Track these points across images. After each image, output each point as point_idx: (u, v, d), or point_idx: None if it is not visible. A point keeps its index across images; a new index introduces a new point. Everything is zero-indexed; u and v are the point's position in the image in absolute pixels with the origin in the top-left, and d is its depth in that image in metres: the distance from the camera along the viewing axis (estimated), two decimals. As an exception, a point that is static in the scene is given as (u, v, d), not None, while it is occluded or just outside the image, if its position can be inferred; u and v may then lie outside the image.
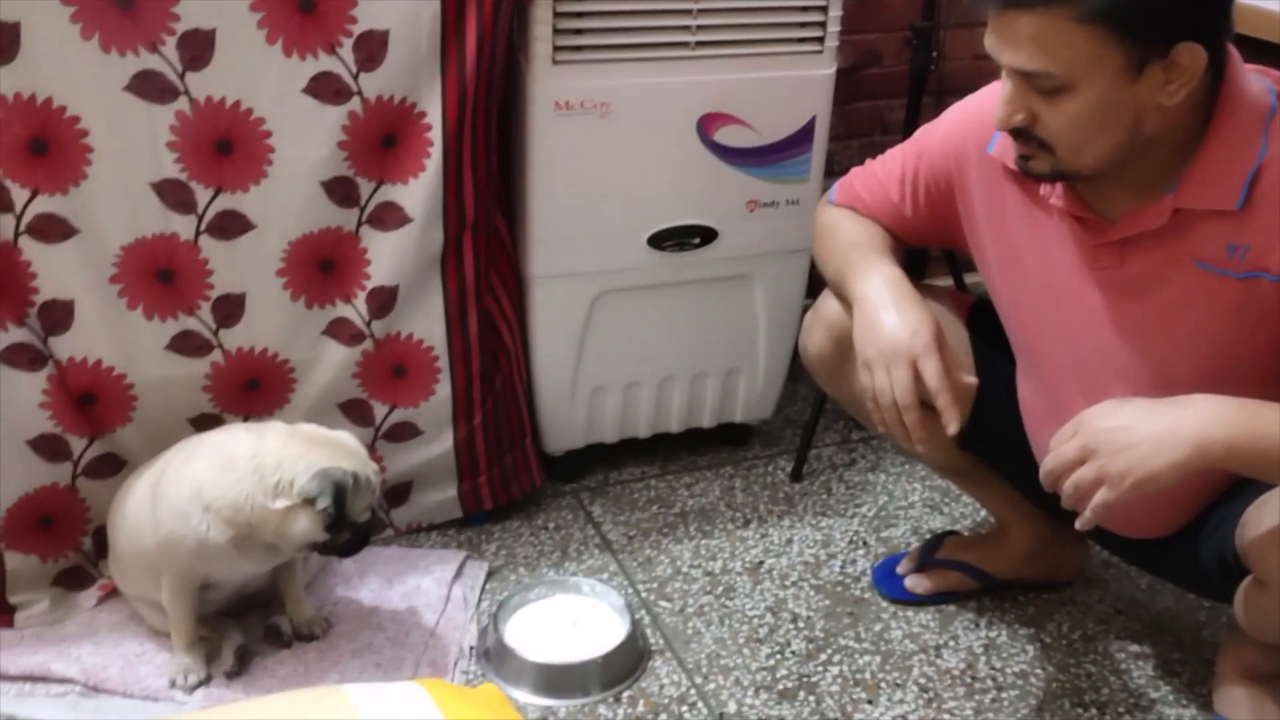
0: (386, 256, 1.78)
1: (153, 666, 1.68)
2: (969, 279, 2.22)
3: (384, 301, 1.80)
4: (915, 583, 1.90)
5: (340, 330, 1.81)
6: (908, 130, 2.07)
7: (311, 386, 1.83)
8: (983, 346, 1.68)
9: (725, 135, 1.94)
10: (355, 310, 1.80)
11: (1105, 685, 1.75)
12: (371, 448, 1.87)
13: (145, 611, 1.72)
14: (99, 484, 1.75)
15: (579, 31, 1.80)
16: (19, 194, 1.56)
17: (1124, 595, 1.94)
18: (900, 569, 1.93)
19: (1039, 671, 1.77)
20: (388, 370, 1.87)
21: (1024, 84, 1.30)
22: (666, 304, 2.06)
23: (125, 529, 1.66)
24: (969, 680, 1.75)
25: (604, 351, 2.06)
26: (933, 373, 1.41)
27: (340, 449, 1.59)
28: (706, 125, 1.92)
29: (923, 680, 1.74)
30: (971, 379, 1.45)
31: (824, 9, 1.91)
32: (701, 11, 1.84)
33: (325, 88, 1.64)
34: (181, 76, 1.57)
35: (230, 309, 1.74)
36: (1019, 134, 1.35)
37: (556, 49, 1.79)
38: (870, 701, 1.70)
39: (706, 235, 2.01)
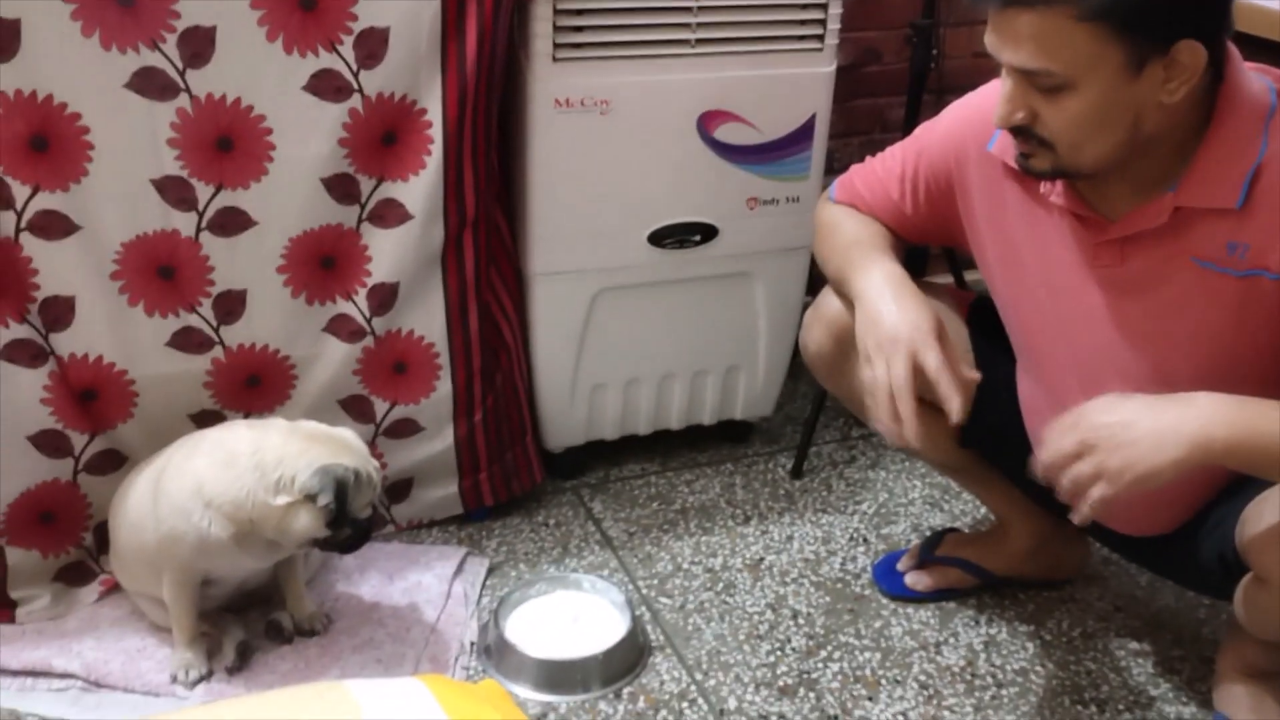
0: (387, 253, 1.78)
1: (154, 662, 1.68)
2: (969, 276, 2.22)
3: (385, 298, 1.81)
4: (915, 580, 1.91)
5: (341, 327, 1.81)
6: (908, 128, 2.07)
7: (312, 383, 1.83)
8: (983, 344, 1.68)
9: (725, 133, 1.94)
10: (356, 307, 1.80)
11: (1105, 682, 1.75)
12: (372, 444, 1.87)
13: (146, 607, 1.72)
14: (100, 480, 1.76)
15: (579, 29, 1.80)
16: (20, 191, 1.57)
17: (1124, 592, 1.94)
18: (900, 566, 1.93)
19: (1039, 668, 1.77)
20: (388, 367, 1.87)
21: (1024, 82, 1.30)
22: (667, 301, 2.06)
23: (126, 525, 1.66)
24: (969, 677, 1.75)
25: (604, 349, 2.06)
26: (933, 362, 1.41)
27: (341, 445, 1.59)
28: (707, 123, 1.93)
29: (923, 677, 1.75)
30: (974, 374, 1.45)
31: (824, 7, 1.91)
32: (701, 9, 1.85)
33: (326, 85, 1.64)
34: (182, 74, 1.58)
35: (231, 306, 1.74)
36: (1019, 132, 1.34)
37: (557, 46, 1.79)
38: (870, 698, 1.70)
39: (707, 233, 2.01)
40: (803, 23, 1.92)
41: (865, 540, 2.06)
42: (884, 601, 1.90)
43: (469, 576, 1.90)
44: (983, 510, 2.09)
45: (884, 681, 1.74)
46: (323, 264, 1.77)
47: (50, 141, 1.56)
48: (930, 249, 2.29)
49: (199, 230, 1.68)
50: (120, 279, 1.66)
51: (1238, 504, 1.42)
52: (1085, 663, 1.79)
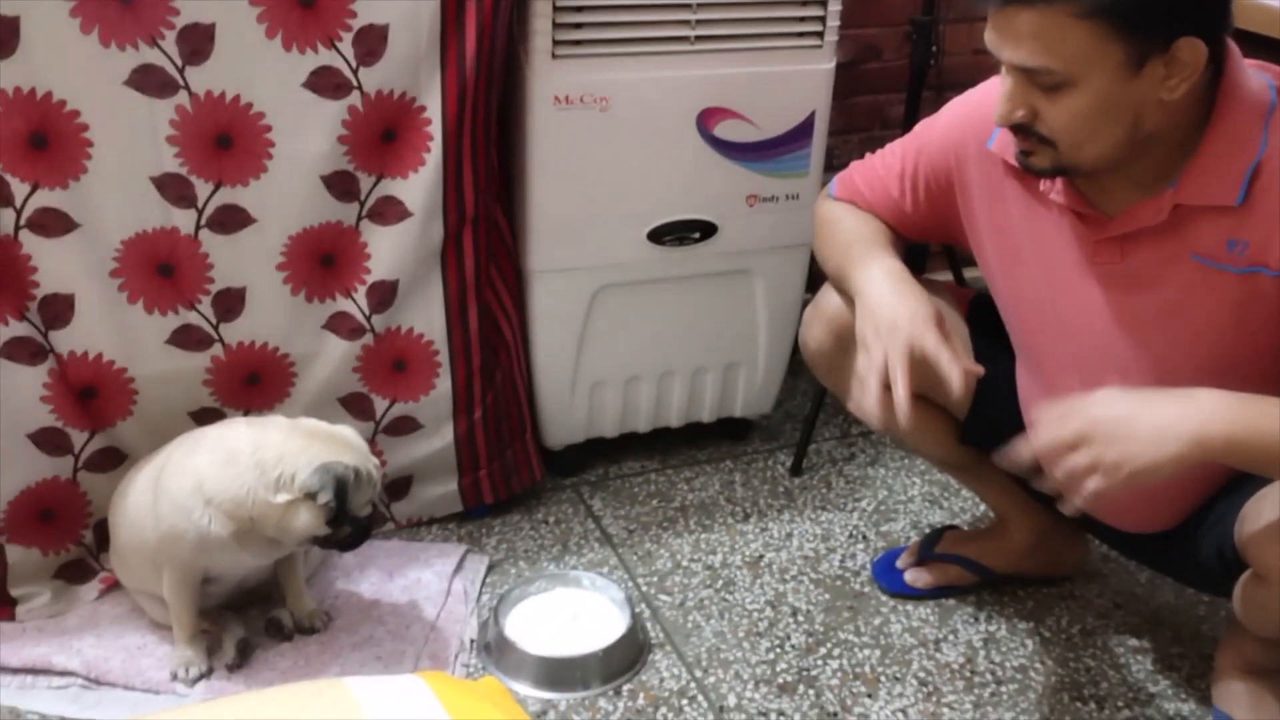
0: (387, 251, 1.78)
1: (154, 659, 1.68)
2: (968, 274, 2.22)
3: (384, 296, 1.81)
4: (915, 577, 1.91)
5: (341, 324, 1.81)
6: (907, 125, 2.07)
7: (312, 381, 1.83)
8: (982, 341, 1.68)
9: (725, 130, 1.94)
10: (356, 304, 1.80)
11: (1104, 679, 1.75)
12: (372, 442, 1.87)
13: (146, 604, 1.72)
14: (100, 477, 1.76)
15: (578, 26, 1.80)
16: (19, 188, 1.56)
17: (1123, 590, 1.94)
18: (900, 563, 1.93)
19: (1038, 665, 1.77)
20: (388, 364, 1.87)
21: (1024, 80, 1.29)
22: (666, 299, 2.06)
23: (126, 522, 1.66)
24: (968, 674, 1.75)
25: (604, 346, 2.06)
26: (932, 343, 1.41)
27: (341, 443, 1.59)
28: (706, 120, 1.92)
29: (922, 674, 1.75)
30: (976, 366, 1.45)
31: (824, 4, 1.91)
32: (701, 6, 1.84)
33: (325, 82, 1.64)
34: (181, 71, 1.57)
35: (231, 303, 1.74)
36: (1020, 130, 1.34)
37: (556, 44, 1.79)
38: (870, 695, 1.70)
39: (706, 230, 2.01)
40: (802, 19, 1.92)
41: (865, 537, 2.06)
42: (883, 599, 1.90)
43: (469, 574, 1.91)
44: (982, 508, 2.09)
45: (883, 678, 1.74)
46: (322, 261, 1.77)
47: (49, 139, 1.55)
48: (930, 246, 2.29)
49: (198, 227, 1.67)
50: (120, 276, 1.66)
51: (1237, 501, 1.42)
52: (1085, 660, 1.79)
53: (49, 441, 1.70)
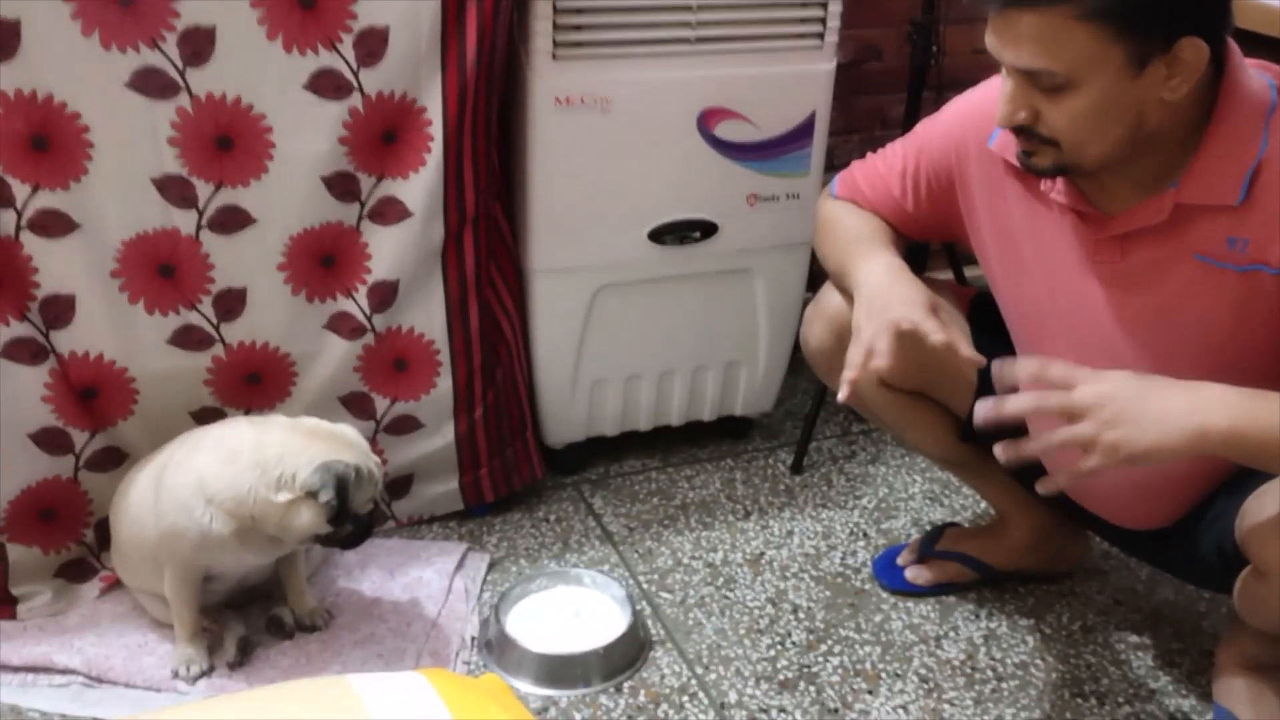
0: (387, 251, 1.79)
1: (155, 657, 1.68)
2: (969, 272, 2.23)
3: (385, 296, 1.81)
4: (915, 574, 1.91)
5: (341, 324, 1.82)
6: (907, 125, 2.07)
7: (313, 380, 1.84)
8: (983, 339, 1.68)
9: (725, 130, 1.94)
10: (356, 304, 1.81)
11: (1105, 676, 1.75)
12: (373, 441, 1.87)
13: (147, 603, 1.73)
14: (101, 477, 1.76)
15: (579, 27, 1.80)
16: (20, 189, 1.57)
17: (1124, 586, 1.94)
18: (900, 560, 1.94)
19: (1039, 662, 1.78)
20: (389, 364, 1.87)
21: (1026, 82, 1.29)
22: (667, 298, 2.07)
23: (128, 521, 1.66)
24: (969, 671, 1.75)
25: (605, 345, 2.06)
26: (919, 316, 1.42)
27: (342, 442, 1.60)
28: (707, 120, 1.93)
29: (923, 671, 1.75)
30: (978, 356, 1.45)
31: (824, 4, 1.92)
32: (701, 7, 1.85)
33: (326, 84, 1.65)
34: (182, 73, 1.58)
35: (231, 303, 1.74)
36: (1022, 131, 1.35)
37: (557, 44, 1.79)
38: (871, 692, 1.71)
39: (707, 229, 2.01)
40: (803, 20, 1.93)
41: (865, 535, 2.06)
42: (884, 596, 1.91)
43: (470, 572, 1.91)
44: (983, 505, 2.09)
45: (884, 675, 1.74)
46: (323, 262, 1.77)
47: (50, 141, 1.56)
48: (930, 245, 2.29)
49: (199, 228, 1.68)
50: (120, 277, 1.67)
51: (1237, 497, 1.43)
52: (1085, 656, 1.79)
53: (50, 441, 1.71)
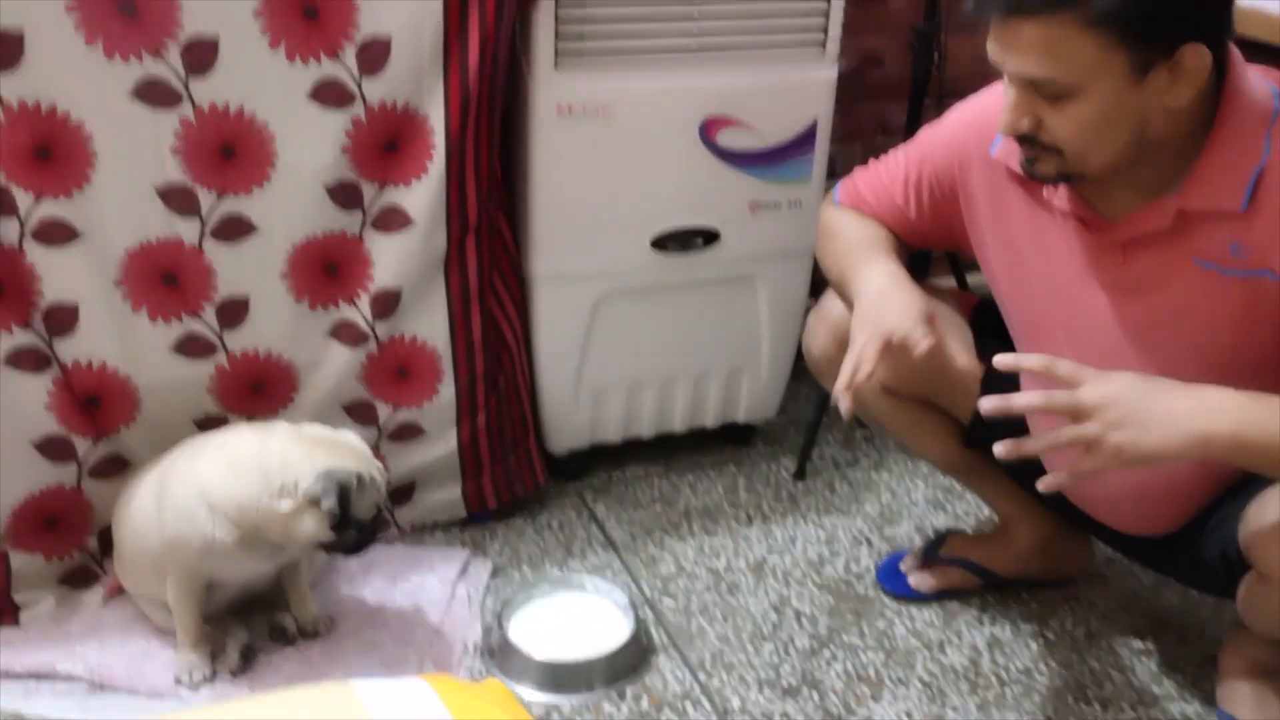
0: (390, 259, 1.79)
1: (158, 664, 1.68)
2: (972, 279, 2.23)
3: (388, 304, 1.81)
4: (919, 580, 1.91)
5: (344, 332, 1.82)
6: (909, 133, 2.08)
7: (316, 388, 1.84)
8: (987, 346, 1.68)
9: (727, 138, 1.95)
10: (359, 312, 1.81)
11: (1109, 681, 1.75)
12: (376, 448, 1.87)
13: (150, 610, 1.73)
14: (104, 485, 1.76)
15: (581, 36, 1.81)
16: (23, 199, 1.57)
17: (1127, 592, 1.94)
18: (904, 566, 1.94)
19: (1043, 668, 1.77)
20: (391, 371, 1.88)
21: (1028, 90, 1.29)
22: (670, 305, 2.07)
23: (131, 528, 1.67)
24: (973, 676, 1.75)
25: (607, 352, 2.06)
26: (910, 326, 1.43)
27: (345, 449, 1.60)
28: (709, 128, 1.93)
29: (926, 676, 1.75)
30: (977, 365, 1.45)
31: (825, 12, 1.92)
32: (703, 15, 1.85)
33: (328, 93, 1.65)
34: (185, 82, 1.58)
35: (234, 312, 1.75)
36: (1025, 139, 1.34)
37: (559, 53, 1.80)
38: (874, 698, 1.71)
39: (709, 237, 2.02)
40: (804, 28, 1.93)
41: (868, 541, 2.06)
42: (887, 602, 1.91)
43: (472, 579, 1.91)
44: (986, 511, 2.09)
45: (888, 681, 1.74)
46: (326, 270, 1.78)
47: (54, 150, 1.57)
48: (933, 252, 2.29)
49: (202, 237, 1.68)
50: (124, 286, 1.67)
51: (1240, 502, 1.43)
52: (1089, 661, 1.79)
53: (53, 449, 1.71)
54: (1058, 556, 1.90)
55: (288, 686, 1.63)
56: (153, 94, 1.58)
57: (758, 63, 1.92)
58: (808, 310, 1.86)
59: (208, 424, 1.79)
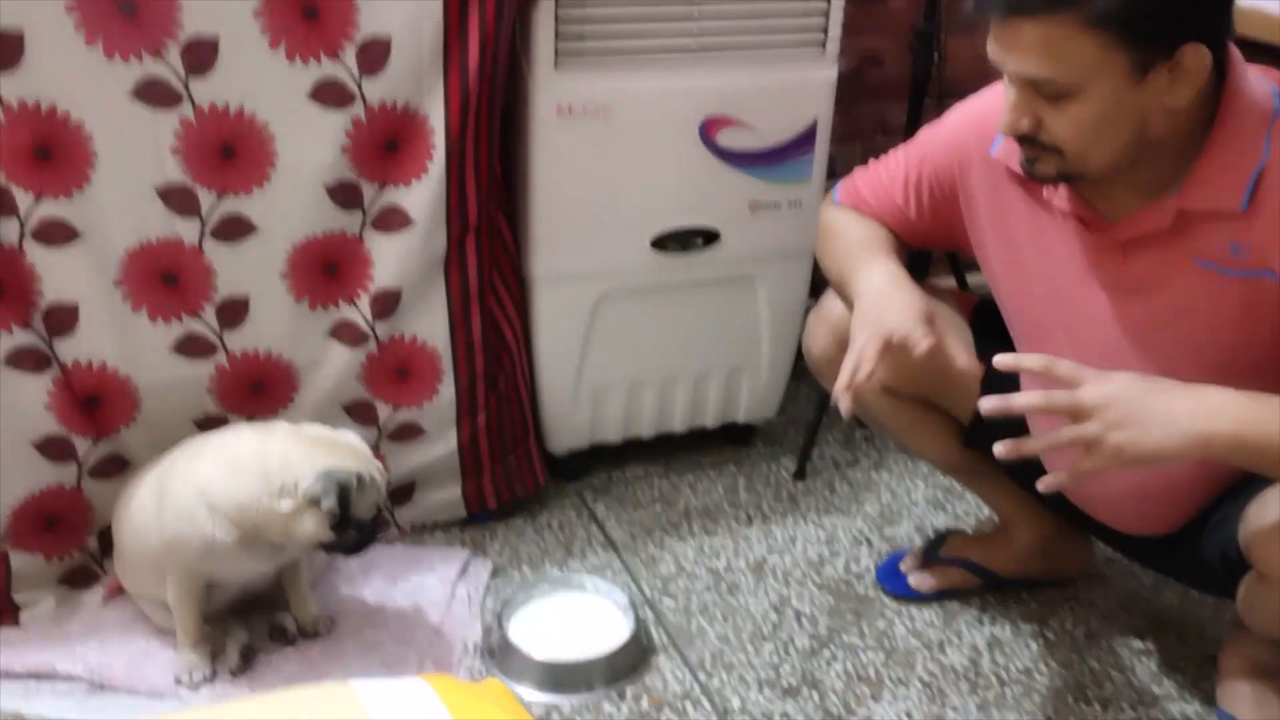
0: (390, 259, 1.79)
1: (158, 664, 1.68)
2: (972, 280, 2.23)
3: (388, 304, 1.81)
4: (919, 580, 1.91)
5: (344, 332, 1.82)
6: (909, 133, 2.08)
7: (316, 388, 1.84)
8: (987, 346, 1.68)
9: (727, 138, 1.95)
10: (359, 312, 1.81)
11: (1109, 681, 1.75)
12: (376, 448, 1.87)
13: (150, 610, 1.73)
14: (104, 485, 1.76)
15: (581, 36, 1.81)
16: (23, 199, 1.57)
17: (1127, 592, 1.94)
18: (903, 566, 1.94)
19: (1043, 668, 1.77)
20: (391, 371, 1.88)
21: (1029, 90, 1.29)
22: (670, 305, 2.07)
23: (131, 529, 1.67)
24: (973, 676, 1.75)
25: (607, 352, 2.06)
26: (910, 326, 1.43)
27: (345, 449, 1.60)
28: (709, 128, 1.93)
29: (926, 676, 1.75)
30: (977, 365, 1.45)
31: (825, 12, 1.92)
32: (703, 16, 1.85)
33: (328, 93, 1.65)
34: (185, 82, 1.59)
35: (234, 312, 1.75)
36: (1025, 139, 1.34)
37: (559, 53, 1.80)
38: (874, 698, 1.71)
39: (709, 237, 2.02)
40: (804, 28, 1.93)
41: (868, 541, 2.06)
42: (887, 602, 1.91)
43: (472, 579, 1.91)
44: (986, 511, 2.09)
45: (888, 681, 1.74)
46: (326, 270, 1.78)
47: (54, 151, 1.57)
48: (933, 252, 2.29)
49: (202, 237, 1.68)
50: (124, 286, 1.67)
51: (1240, 502, 1.43)
52: (1089, 662, 1.79)
53: (53, 449, 1.71)
54: (1058, 556, 1.90)
55: (288, 686, 1.63)
56: (153, 94, 1.58)
57: (758, 63, 1.92)
58: (808, 310, 1.86)
59: (208, 424, 1.79)
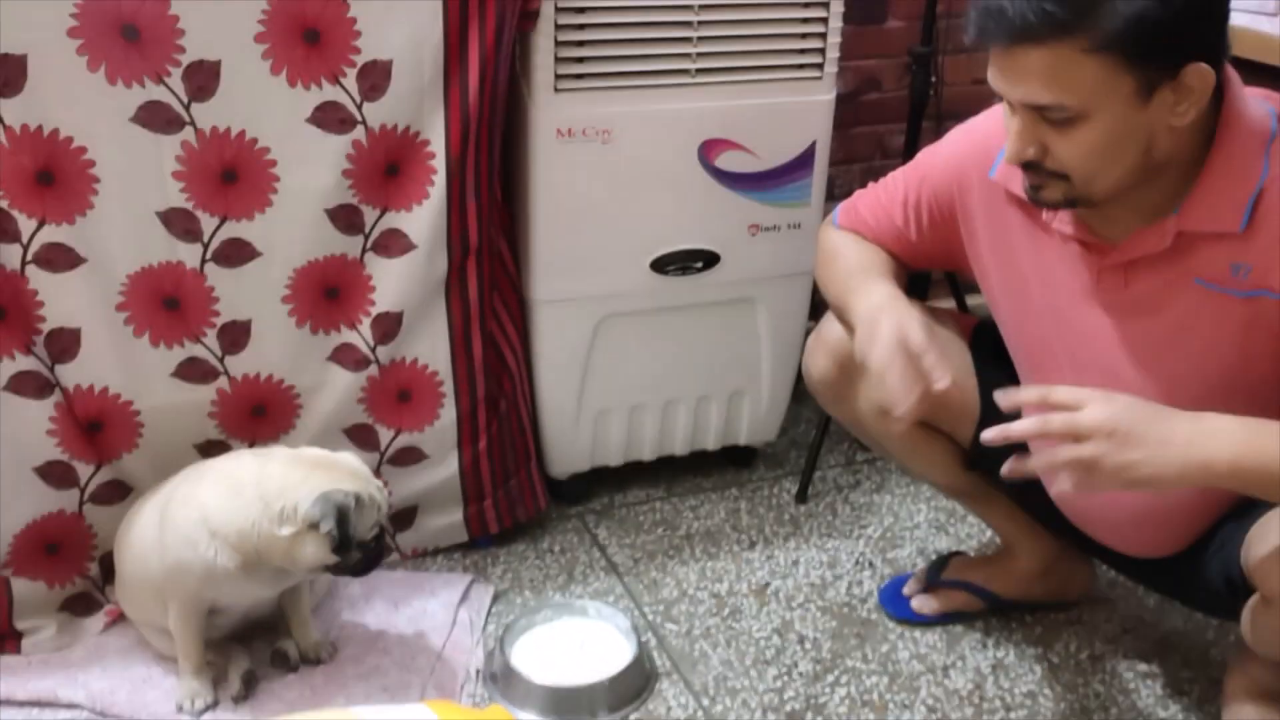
0: (391, 283, 1.79)
1: (160, 691, 1.68)
2: (971, 301, 2.23)
3: (389, 327, 1.81)
4: (922, 603, 1.90)
5: (346, 356, 1.82)
6: (908, 155, 2.08)
7: (317, 412, 1.84)
8: (987, 368, 1.69)
9: (726, 160, 1.95)
10: (360, 336, 1.81)
11: (1113, 705, 1.74)
12: (377, 472, 1.87)
13: (152, 637, 1.72)
14: (106, 510, 1.76)
15: (580, 60, 1.81)
16: (26, 224, 1.58)
17: (1131, 615, 1.94)
18: (907, 590, 1.93)
19: (1047, 691, 1.77)
20: (393, 395, 1.87)
21: (1034, 117, 1.29)
22: (670, 327, 2.07)
23: (132, 555, 1.66)
24: (977, 700, 1.74)
25: (608, 375, 2.06)
26: (916, 337, 1.40)
27: (343, 470, 1.59)
28: (708, 151, 1.94)
29: (930, 701, 1.74)
30: (976, 388, 1.44)
31: (823, 35, 1.93)
32: (702, 39, 1.86)
33: (329, 117, 1.66)
34: (187, 107, 1.59)
35: (236, 336, 1.75)
36: (1030, 166, 1.34)
37: (558, 77, 1.81)
38: (877, 722, 1.70)
39: (709, 259, 2.02)
40: (802, 51, 1.94)
41: (871, 564, 2.05)
42: (890, 625, 1.90)
43: (474, 604, 1.90)
44: (989, 534, 2.09)
45: (892, 705, 1.73)
46: (327, 294, 1.78)
47: (56, 175, 1.57)
48: (932, 273, 2.29)
49: (204, 261, 1.69)
50: (126, 310, 1.67)
51: (1244, 525, 1.42)
52: (1093, 685, 1.78)
53: (55, 475, 1.71)
54: (1060, 579, 1.89)
55: (290, 713, 1.63)
56: (155, 118, 1.58)
57: (756, 86, 1.93)
58: (808, 332, 1.86)
59: (209, 449, 1.79)
